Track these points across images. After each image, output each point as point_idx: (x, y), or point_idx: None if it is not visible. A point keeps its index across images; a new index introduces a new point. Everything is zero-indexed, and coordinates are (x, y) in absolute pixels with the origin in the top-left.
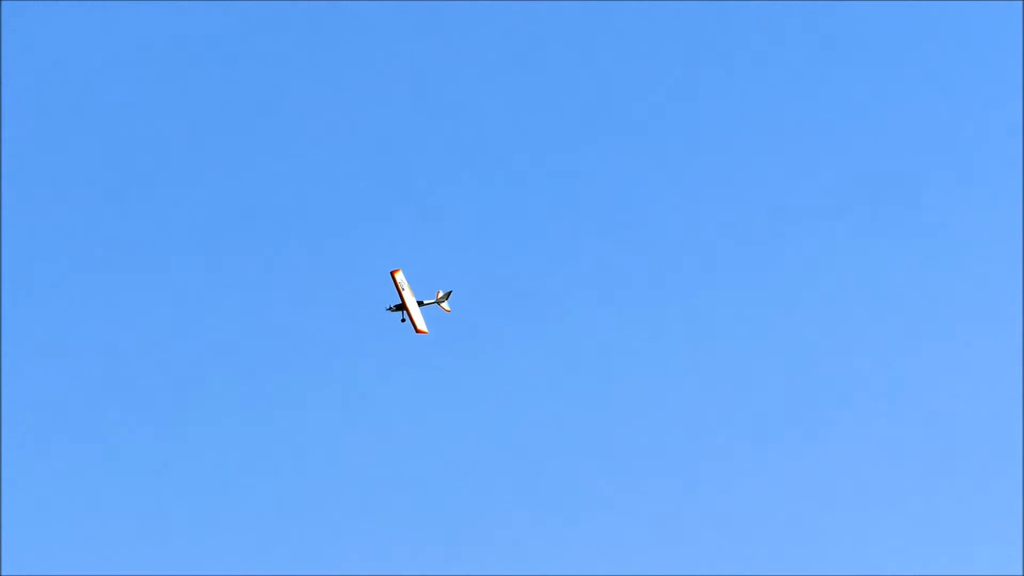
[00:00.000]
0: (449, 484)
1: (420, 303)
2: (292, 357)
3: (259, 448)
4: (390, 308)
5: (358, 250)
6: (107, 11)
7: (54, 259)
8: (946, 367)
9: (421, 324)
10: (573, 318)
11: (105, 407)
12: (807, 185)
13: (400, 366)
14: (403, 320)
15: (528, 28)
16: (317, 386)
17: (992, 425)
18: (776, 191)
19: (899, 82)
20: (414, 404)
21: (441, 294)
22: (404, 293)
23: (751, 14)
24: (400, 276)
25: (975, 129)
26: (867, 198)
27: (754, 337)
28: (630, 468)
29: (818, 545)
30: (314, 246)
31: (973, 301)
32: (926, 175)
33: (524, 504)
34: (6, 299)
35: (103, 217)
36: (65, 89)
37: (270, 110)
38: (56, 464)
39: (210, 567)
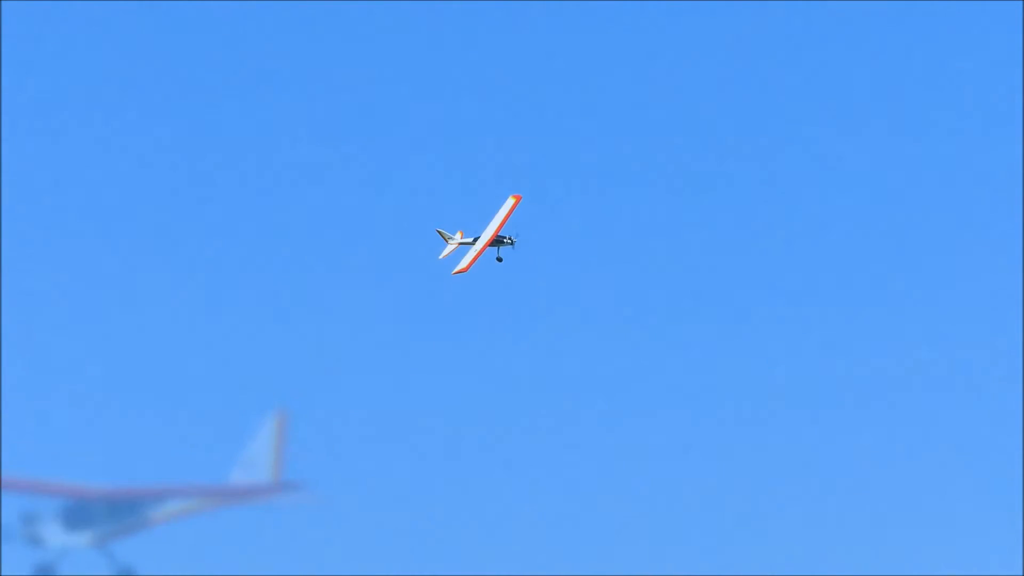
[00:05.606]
0: None
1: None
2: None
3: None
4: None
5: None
6: (107, 11)
7: (54, 259)
8: (944, 370)
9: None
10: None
11: (103, 406)
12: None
13: None
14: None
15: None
16: None
17: (992, 424)
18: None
19: (898, 82)
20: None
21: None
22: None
23: None
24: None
25: (974, 130)
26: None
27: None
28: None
29: (818, 546)
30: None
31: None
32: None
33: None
34: (6, 299)
35: (103, 217)
36: (65, 89)
37: (269, 110)
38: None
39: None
